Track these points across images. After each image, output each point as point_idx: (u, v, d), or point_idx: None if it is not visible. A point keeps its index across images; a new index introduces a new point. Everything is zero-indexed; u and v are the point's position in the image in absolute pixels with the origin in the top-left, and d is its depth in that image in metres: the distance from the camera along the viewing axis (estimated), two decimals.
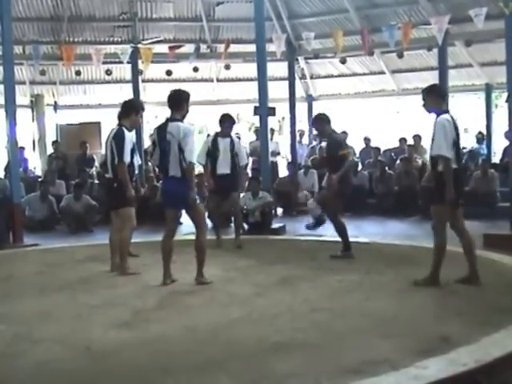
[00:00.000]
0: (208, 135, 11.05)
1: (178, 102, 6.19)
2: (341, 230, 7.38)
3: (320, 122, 7.56)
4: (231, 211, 9.05)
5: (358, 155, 14.77)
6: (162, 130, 6.17)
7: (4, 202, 10.17)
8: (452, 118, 5.77)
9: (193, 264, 6.68)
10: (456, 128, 5.75)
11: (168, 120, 6.19)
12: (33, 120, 15.71)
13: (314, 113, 16.74)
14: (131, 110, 6.91)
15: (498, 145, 15.07)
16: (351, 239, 7.46)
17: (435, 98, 5.86)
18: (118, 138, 6.71)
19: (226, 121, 8.63)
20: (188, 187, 6.04)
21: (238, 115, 17.79)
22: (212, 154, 8.43)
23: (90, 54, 14.26)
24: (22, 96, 15.41)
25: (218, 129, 8.70)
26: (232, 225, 10.49)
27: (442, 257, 5.74)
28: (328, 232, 7.64)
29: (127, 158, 6.68)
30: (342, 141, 7.62)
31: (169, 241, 6.28)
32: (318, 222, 7.58)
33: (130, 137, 6.80)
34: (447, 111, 5.85)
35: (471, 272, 5.76)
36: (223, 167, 8.46)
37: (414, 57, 15.20)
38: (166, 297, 5.67)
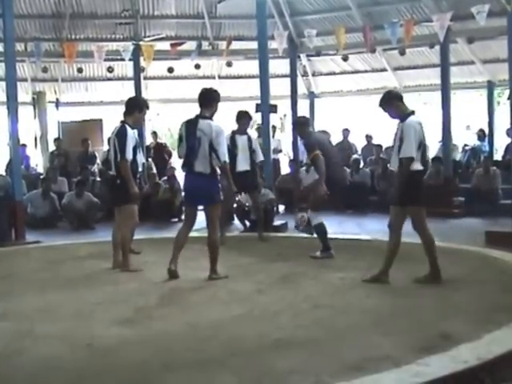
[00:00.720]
0: None
1: (209, 100, 6.22)
2: (320, 229, 7.25)
3: (300, 127, 7.50)
4: (257, 207, 9.04)
5: (359, 152, 14.78)
6: (191, 125, 6.15)
7: (6, 200, 10.18)
8: (419, 120, 5.80)
9: (195, 261, 6.71)
10: (422, 130, 5.77)
11: (198, 116, 6.17)
12: (34, 117, 15.69)
13: (316, 110, 16.93)
14: (134, 108, 6.90)
15: (500, 142, 15.06)
16: (352, 237, 7.45)
17: (395, 103, 5.86)
18: (120, 135, 6.69)
19: (243, 118, 8.65)
20: (215, 185, 6.14)
21: None
22: (231, 151, 8.32)
23: (91, 51, 14.26)
24: (24, 93, 15.40)
25: (235, 126, 8.71)
26: (234, 222, 10.55)
27: (434, 252, 5.77)
28: (329, 229, 7.61)
29: (129, 156, 6.66)
30: (313, 142, 7.26)
31: (185, 235, 6.31)
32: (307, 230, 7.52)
33: (132, 134, 6.79)
34: (413, 112, 5.80)
35: (381, 271, 5.83)
36: (243, 164, 8.48)
37: (416, 54, 15.15)
38: (167, 294, 5.66)
